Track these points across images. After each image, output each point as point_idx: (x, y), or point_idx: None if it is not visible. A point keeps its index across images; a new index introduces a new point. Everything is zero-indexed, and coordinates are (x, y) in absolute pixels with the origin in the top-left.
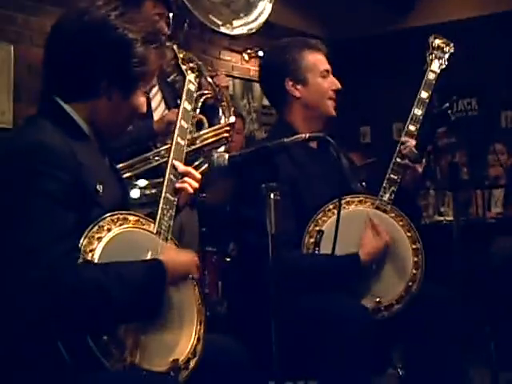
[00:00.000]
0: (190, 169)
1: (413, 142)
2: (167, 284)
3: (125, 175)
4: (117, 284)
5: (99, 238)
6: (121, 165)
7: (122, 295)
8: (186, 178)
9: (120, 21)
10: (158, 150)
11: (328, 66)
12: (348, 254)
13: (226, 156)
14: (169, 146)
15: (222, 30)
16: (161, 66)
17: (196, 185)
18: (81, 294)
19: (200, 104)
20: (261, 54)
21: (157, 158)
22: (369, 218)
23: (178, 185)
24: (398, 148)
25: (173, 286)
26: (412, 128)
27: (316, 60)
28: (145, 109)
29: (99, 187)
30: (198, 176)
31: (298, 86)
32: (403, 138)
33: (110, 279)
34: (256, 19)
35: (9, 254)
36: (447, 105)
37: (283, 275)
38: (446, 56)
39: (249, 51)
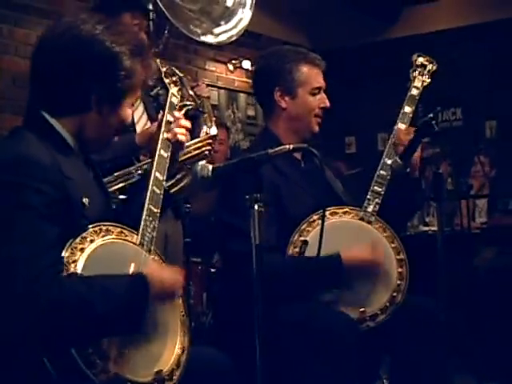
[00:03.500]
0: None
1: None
2: (151, 299)
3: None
4: (100, 298)
5: (82, 249)
6: (103, 180)
7: (105, 309)
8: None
9: (107, 34)
10: (140, 163)
11: (321, 83)
12: (329, 254)
13: (210, 167)
14: (152, 158)
15: (203, 38)
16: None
17: (183, 131)
18: (64, 308)
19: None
20: (245, 64)
21: (139, 172)
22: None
23: (168, 135)
24: (381, 160)
25: (158, 303)
26: (396, 141)
27: (310, 75)
28: (130, 119)
29: (86, 200)
30: (186, 124)
31: (286, 98)
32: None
33: (94, 293)
34: (236, 26)
35: None
36: (431, 115)
37: (266, 279)
38: (429, 73)
39: (233, 62)
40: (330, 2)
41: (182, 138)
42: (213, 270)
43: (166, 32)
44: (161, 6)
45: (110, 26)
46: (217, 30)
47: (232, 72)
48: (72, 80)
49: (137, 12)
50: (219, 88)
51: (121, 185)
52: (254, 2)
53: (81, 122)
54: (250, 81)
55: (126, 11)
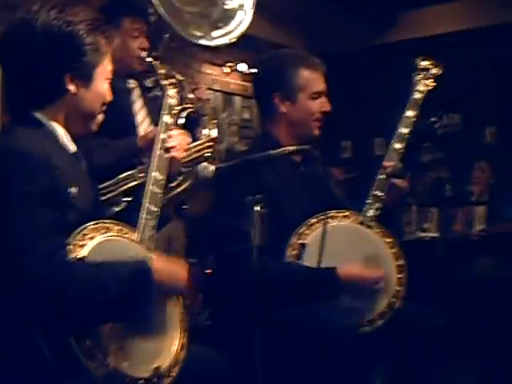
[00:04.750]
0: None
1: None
2: (158, 289)
3: (111, 193)
4: (109, 281)
5: (82, 246)
6: (106, 183)
7: (114, 292)
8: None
9: (62, 16)
10: (142, 167)
11: (321, 87)
12: (327, 267)
13: (211, 168)
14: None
15: (202, 41)
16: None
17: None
18: (74, 289)
19: (183, 118)
20: (241, 67)
21: (141, 175)
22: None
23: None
24: (382, 164)
25: (165, 295)
26: (397, 146)
27: (310, 80)
28: (110, 96)
29: (73, 189)
30: (182, 139)
31: (286, 103)
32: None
33: (103, 274)
34: (235, 29)
35: None
36: (433, 119)
37: (261, 284)
38: (433, 77)
39: (229, 64)
40: (327, 5)
41: (175, 154)
42: (209, 271)
43: (166, 35)
44: (160, 9)
45: (63, 8)
46: (216, 33)
47: (227, 75)
48: (41, 70)
49: (137, 17)
50: (215, 91)
51: (123, 188)
52: (254, 4)
53: (61, 108)
54: (246, 84)
55: (126, 16)
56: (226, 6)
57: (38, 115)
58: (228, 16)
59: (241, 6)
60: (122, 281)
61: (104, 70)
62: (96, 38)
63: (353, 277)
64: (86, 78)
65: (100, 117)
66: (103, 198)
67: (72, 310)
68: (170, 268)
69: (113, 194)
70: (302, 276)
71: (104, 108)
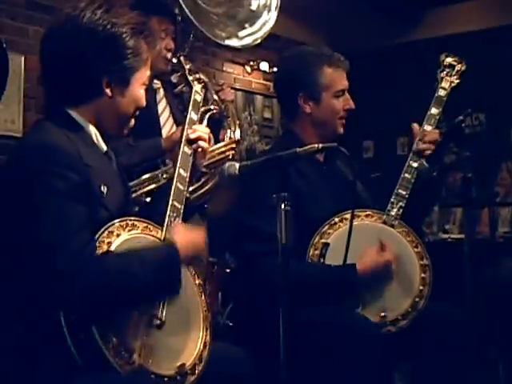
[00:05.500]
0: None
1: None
2: (182, 262)
3: (134, 193)
4: (139, 268)
5: (109, 243)
6: (131, 183)
7: (145, 277)
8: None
9: (107, 17)
10: (166, 167)
11: (345, 85)
12: (345, 264)
13: (237, 165)
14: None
15: (227, 42)
16: (159, 73)
17: (207, 137)
18: (107, 282)
19: (206, 119)
20: (262, 66)
21: (165, 176)
22: (379, 236)
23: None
24: (406, 163)
25: (186, 264)
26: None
27: (333, 78)
28: (144, 102)
29: (103, 188)
30: (206, 130)
31: (310, 103)
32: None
33: (132, 264)
34: (260, 29)
35: (29, 252)
36: (461, 118)
37: (283, 283)
38: (458, 74)
39: (251, 63)
40: (350, 3)
41: (203, 144)
42: (228, 271)
43: (192, 36)
44: (186, 10)
45: (109, 9)
46: (241, 33)
47: (249, 74)
48: (80, 68)
49: (164, 17)
50: (236, 90)
51: (147, 188)
52: (278, 4)
53: (97, 109)
54: (268, 83)
55: (154, 16)
56: (251, 7)
57: (73, 113)
58: (254, 16)
59: (266, 7)
60: (150, 267)
61: (142, 76)
62: (138, 42)
63: (369, 266)
64: (123, 82)
65: (132, 121)
66: None
67: (105, 302)
68: (189, 240)
69: (136, 194)
70: (325, 275)
71: (137, 113)
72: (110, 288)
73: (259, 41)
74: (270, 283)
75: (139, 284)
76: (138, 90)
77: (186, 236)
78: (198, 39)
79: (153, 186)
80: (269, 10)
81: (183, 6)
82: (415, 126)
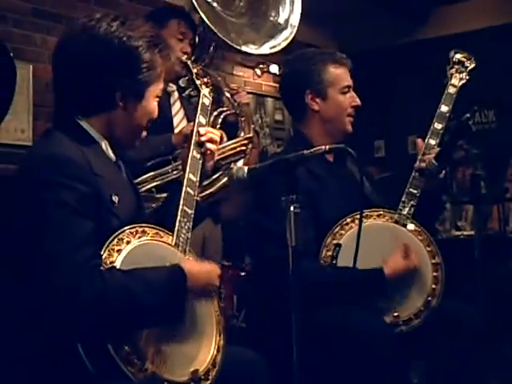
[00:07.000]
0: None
1: (432, 154)
2: (189, 291)
3: (144, 188)
4: (142, 288)
5: (119, 251)
6: (140, 178)
7: (147, 299)
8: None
9: (122, 30)
10: (176, 163)
11: (350, 82)
12: (373, 268)
13: (246, 169)
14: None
15: (244, 48)
16: (175, 76)
17: (217, 139)
18: (108, 299)
19: (220, 121)
20: (273, 69)
21: (175, 172)
22: (403, 242)
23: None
24: (417, 161)
25: (196, 297)
26: (432, 142)
27: (338, 75)
28: (157, 114)
29: (115, 198)
30: (217, 133)
31: (318, 100)
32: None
33: (136, 283)
34: (280, 43)
35: (33, 263)
36: (468, 115)
37: (305, 287)
38: (467, 70)
39: (261, 66)
40: (358, 3)
41: (210, 146)
42: (243, 274)
43: (212, 48)
44: (207, 22)
45: (124, 21)
46: (265, 46)
47: (259, 77)
48: (94, 79)
49: (183, 21)
50: (247, 93)
51: (156, 183)
52: (299, 19)
53: (108, 121)
54: (278, 85)
55: (174, 18)
56: (272, 19)
57: (83, 124)
58: (277, 30)
59: (290, 24)
60: (155, 287)
61: (156, 89)
62: (153, 56)
63: (397, 271)
64: (137, 96)
65: (144, 133)
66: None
67: (107, 319)
68: (202, 270)
69: (145, 188)
70: (348, 277)
71: (149, 124)
72: (110, 304)
73: (277, 49)
74: (301, 286)
75: (140, 303)
76: (151, 103)
77: (200, 266)
78: (217, 49)
79: (162, 181)
80: (292, 28)
81: (204, 17)
82: (419, 141)
